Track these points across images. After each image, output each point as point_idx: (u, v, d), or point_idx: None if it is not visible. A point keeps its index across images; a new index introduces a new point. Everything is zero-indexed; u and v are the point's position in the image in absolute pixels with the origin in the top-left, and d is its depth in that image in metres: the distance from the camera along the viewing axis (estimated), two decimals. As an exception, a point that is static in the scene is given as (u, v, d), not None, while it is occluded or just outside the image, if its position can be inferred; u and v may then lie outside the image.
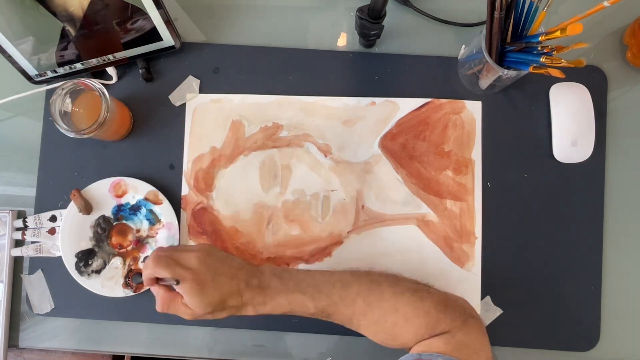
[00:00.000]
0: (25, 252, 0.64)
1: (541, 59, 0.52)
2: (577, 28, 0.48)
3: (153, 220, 0.64)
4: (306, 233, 0.64)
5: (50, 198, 0.65)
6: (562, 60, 0.51)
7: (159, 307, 0.50)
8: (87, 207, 0.63)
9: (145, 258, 0.63)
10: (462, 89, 0.65)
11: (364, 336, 0.53)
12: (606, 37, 0.67)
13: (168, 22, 0.60)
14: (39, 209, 0.65)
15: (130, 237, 0.64)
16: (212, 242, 0.64)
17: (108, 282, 0.62)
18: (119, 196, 0.64)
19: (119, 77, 0.66)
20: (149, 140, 0.65)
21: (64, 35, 0.60)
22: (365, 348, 0.63)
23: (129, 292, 0.62)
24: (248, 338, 0.64)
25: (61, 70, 0.64)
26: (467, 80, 0.65)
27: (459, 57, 0.66)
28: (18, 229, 0.64)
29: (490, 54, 0.55)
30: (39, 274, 0.64)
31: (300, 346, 0.64)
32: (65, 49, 0.62)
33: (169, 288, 0.50)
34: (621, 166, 0.65)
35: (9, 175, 0.67)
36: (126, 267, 0.63)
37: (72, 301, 0.64)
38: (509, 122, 0.65)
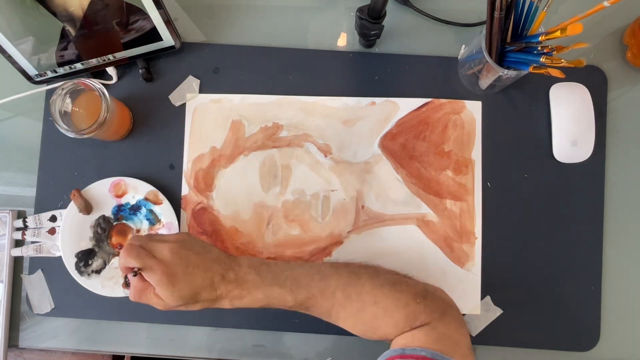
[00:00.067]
0: (25, 252, 0.64)
1: (541, 59, 0.52)
2: (577, 28, 0.48)
3: (153, 220, 0.64)
4: (306, 233, 0.64)
5: (50, 198, 0.65)
6: (562, 60, 0.51)
7: (131, 296, 0.49)
8: (87, 207, 0.63)
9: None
10: (462, 89, 0.65)
11: (364, 336, 0.53)
12: (606, 37, 0.67)
13: (168, 22, 0.60)
14: (39, 209, 0.65)
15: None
16: (212, 242, 0.64)
17: (108, 282, 0.62)
18: (119, 196, 0.64)
19: (119, 77, 0.66)
20: (149, 140, 0.65)
21: (64, 35, 0.60)
22: (365, 348, 0.63)
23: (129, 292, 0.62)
24: (248, 338, 0.64)
25: (61, 70, 0.64)
26: (467, 80, 0.65)
27: (459, 57, 0.66)
28: (18, 229, 0.64)
29: (490, 54, 0.55)
30: (39, 274, 0.64)
31: (300, 346, 0.64)
32: (65, 49, 0.62)
33: (143, 277, 0.49)
34: (621, 166, 0.65)
35: (9, 175, 0.67)
36: (126, 267, 0.63)
37: (72, 301, 0.64)
38: (509, 122, 0.65)
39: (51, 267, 0.64)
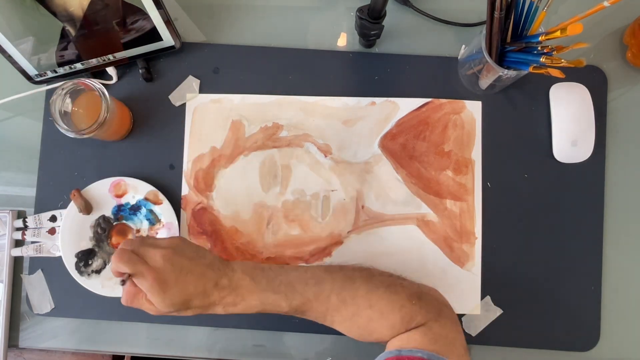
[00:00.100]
0: (25, 252, 0.64)
1: (541, 59, 0.52)
2: (577, 28, 0.48)
3: (153, 220, 0.64)
4: (306, 233, 0.64)
5: (50, 198, 0.65)
6: (562, 60, 0.51)
7: (123, 300, 0.49)
8: (87, 207, 0.63)
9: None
10: (462, 89, 0.65)
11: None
12: (606, 37, 0.67)
13: (168, 22, 0.60)
14: (39, 209, 0.65)
15: (131, 237, 0.64)
16: (212, 242, 0.64)
17: (108, 282, 0.62)
18: (119, 196, 0.64)
19: (119, 77, 0.66)
20: (149, 140, 0.65)
21: (64, 35, 0.60)
22: (365, 348, 0.63)
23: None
24: (248, 338, 0.64)
25: (61, 70, 0.64)
26: (467, 80, 0.65)
27: (459, 57, 0.66)
28: (18, 229, 0.64)
29: (490, 54, 0.55)
30: (39, 274, 0.64)
31: (300, 346, 0.64)
32: (65, 49, 0.62)
33: (134, 283, 0.48)
34: (621, 166, 0.65)
35: (9, 175, 0.67)
36: (126, 267, 0.63)
37: (72, 301, 0.64)
38: (509, 122, 0.65)
39: (51, 267, 0.64)
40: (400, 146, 0.65)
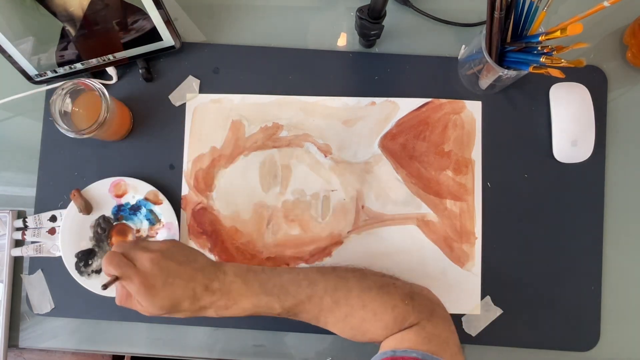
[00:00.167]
0: (25, 252, 0.64)
1: (541, 59, 0.52)
2: (577, 28, 0.48)
3: (153, 220, 0.64)
4: (306, 233, 0.64)
5: (50, 198, 0.65)
6: (562, 60, 0.51)
7: (116, 301, 0.49)
8: (87, 207, 0.63)
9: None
10: (462, 89, 0.65)
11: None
12: (606, 37, 0.67)
13: (168, 22, 0.60)
14: (39, 209, 0.65)
15: (131, 237, 0.64)
16: (212, 242, 0.64)
17: (108, 282, 0.62)
18: (119, 196, 0.64)
19: (119, 77, 0.66)
20: (149, 140, 0.65)
21: (64, 35, 0.60)
22: (365, 348, 0.63)
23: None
24: (248, 338, 0.64)
25: (61, 70, 0.64)
26: (467, 80, 0.65)
27: (459, 57, 0.66)
28: (18, 229, 0.64)
29: (490, 54, 0.55)
30: (39, 274, 0.64)
31: (300, 346, 0.64)
32: (65, 49, 0.62)
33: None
34: (621, 166, 0.65)
35: (9, 175, 0.67)
36: (126, 267, 0.63)
37: (72, 301, 0.64)
38: (509, 122, 0.65)
39: (51, 267, 0.64)
40: (400, 146, 0.65)
